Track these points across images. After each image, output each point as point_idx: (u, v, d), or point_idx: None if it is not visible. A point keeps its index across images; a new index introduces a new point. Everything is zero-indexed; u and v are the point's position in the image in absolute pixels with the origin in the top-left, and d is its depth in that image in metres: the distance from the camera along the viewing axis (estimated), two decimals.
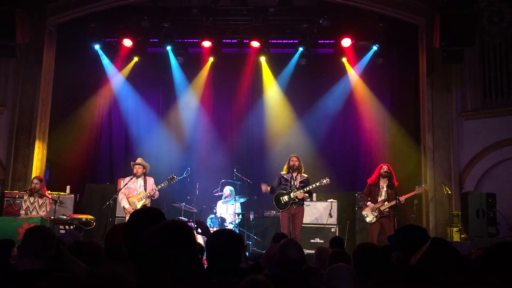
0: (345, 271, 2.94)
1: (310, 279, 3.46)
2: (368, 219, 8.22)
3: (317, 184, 8.14)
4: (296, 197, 8.08)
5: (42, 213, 7.96)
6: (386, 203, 8.12)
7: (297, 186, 8.14)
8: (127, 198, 8.32)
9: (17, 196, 8.67)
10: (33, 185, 8.02)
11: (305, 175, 8.33)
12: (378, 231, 8.20)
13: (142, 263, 1.81)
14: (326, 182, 8.14)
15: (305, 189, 8.11)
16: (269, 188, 8.34)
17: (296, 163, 8.26)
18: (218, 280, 2.09)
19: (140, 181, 8.43)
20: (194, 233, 1.89)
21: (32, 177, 8.77)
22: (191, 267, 1.82)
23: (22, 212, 8.00)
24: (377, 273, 3.03)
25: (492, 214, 8.12)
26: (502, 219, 8.23)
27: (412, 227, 3.62)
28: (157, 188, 8.36)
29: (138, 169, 8.42)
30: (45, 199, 8.06)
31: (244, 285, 2.22)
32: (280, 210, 8.21)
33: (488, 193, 8.32)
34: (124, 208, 8.29)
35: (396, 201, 8.07)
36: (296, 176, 8.22)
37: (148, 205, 8.13)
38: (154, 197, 8.45)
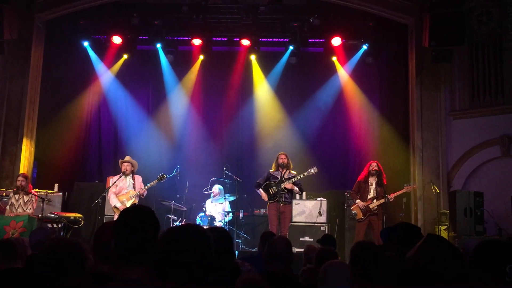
0: (340, 268, 2.94)
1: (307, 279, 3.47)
2: (357, 217, 8.26)
3: (305, 174, 8.17)
4: (285, 187, 8.10)
5: (29, 210, 7.87)
6: (375, 201, 8.17)
7: (286, 178, 8.18)
8: (117, 197, 8.29)
9: (4, 194, 8.57)
10: (18, 183, 7.93)
11: (294, 172, 8.35)
12: (365, 230, 8.25)
13: (161, 262, 1.89)
14: (314, 171, 8.16)
15: (293, 179, 8.13)
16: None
17: (285, 161, 8.28)
18: (210, 278, 2.09)
19: (129, 179, 8.39)
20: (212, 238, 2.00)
21: None
22: (208, 269, 1.93)
23: (8, 209, 7.92)
24: (375, 272, 3.02)
25: (480, 212, 8.20)
26: (490, 217, 8.31)
27: (405, 225, 3.62)
28: (146, 187, 8.34)
29: (126, 167, 8.38)
30: (31, 196, 7.97)
31: (240, 283, 2.22)
32: (269, 202, 8.21)
33: (476, 192, 8.39)
34: (115, 207, 8.23)
35: (385, 199, 8.12)
36: (284, 173, 8.24)
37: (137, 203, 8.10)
38: (142, 196, 8.43)
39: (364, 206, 8.18)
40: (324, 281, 2.89)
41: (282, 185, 8.08)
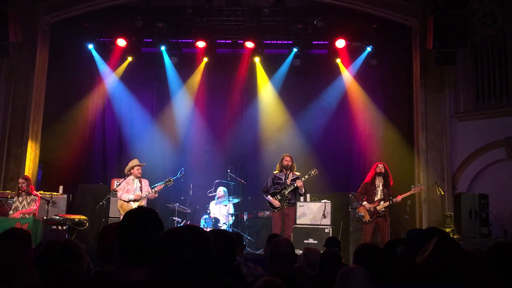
0: (358, 273, 2.91)
1: (297, 278, 3.46)
2: (364, 219, 8.21)
3: (306, 177, 8.16)
4: (288, 193, 8.13)
5: (32, 207, 7.90)
6: (382, 202, 8.12)
7: (289, 184, 8.19)
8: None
9: (9, 196, 8.61)
10: (19, 185, 7.98)
11: (297, 173, 8.36)
12: (372, 232, 8.21)
13: (161, 262, 1.89)
14: (314, 173, 8.18)
15: (294, 185, 8.12)
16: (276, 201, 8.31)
17: (290, 163, 8.30)
18: (210, 279, 2.10)
19: (137, 182, 8.40)
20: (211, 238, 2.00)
21: None
22: (208, 269, 1.93)
23: (11, 212, 7.96)
24: (378, 273, 3.01)
25: (485, 215, 8.16)
26: (495, 219, 8.27)
27: (436, 230, 3.56)
28: (153, 190, 8.33)
29: (140, 171, 8.39)
30: (34, 196, 8.01)
31: (260, 284, 2.22)
32: (275, 210, 8.22)
33: (481, 194, 8.36)
34: (128, 200, 8.13)
35: (389, 201, 8.08)
36: (288, 174, 8.26)
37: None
38: (155, 195, 8.45)
39: (371, 208, 8.15)
40: (341, 284, 2.87)
41: (285, 192, 8.11)
